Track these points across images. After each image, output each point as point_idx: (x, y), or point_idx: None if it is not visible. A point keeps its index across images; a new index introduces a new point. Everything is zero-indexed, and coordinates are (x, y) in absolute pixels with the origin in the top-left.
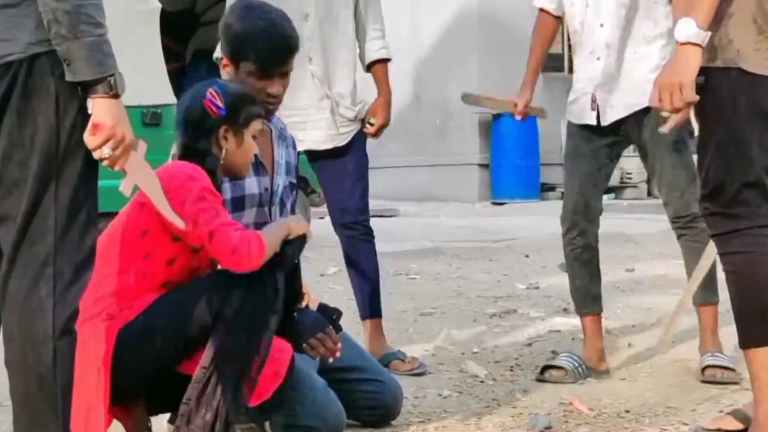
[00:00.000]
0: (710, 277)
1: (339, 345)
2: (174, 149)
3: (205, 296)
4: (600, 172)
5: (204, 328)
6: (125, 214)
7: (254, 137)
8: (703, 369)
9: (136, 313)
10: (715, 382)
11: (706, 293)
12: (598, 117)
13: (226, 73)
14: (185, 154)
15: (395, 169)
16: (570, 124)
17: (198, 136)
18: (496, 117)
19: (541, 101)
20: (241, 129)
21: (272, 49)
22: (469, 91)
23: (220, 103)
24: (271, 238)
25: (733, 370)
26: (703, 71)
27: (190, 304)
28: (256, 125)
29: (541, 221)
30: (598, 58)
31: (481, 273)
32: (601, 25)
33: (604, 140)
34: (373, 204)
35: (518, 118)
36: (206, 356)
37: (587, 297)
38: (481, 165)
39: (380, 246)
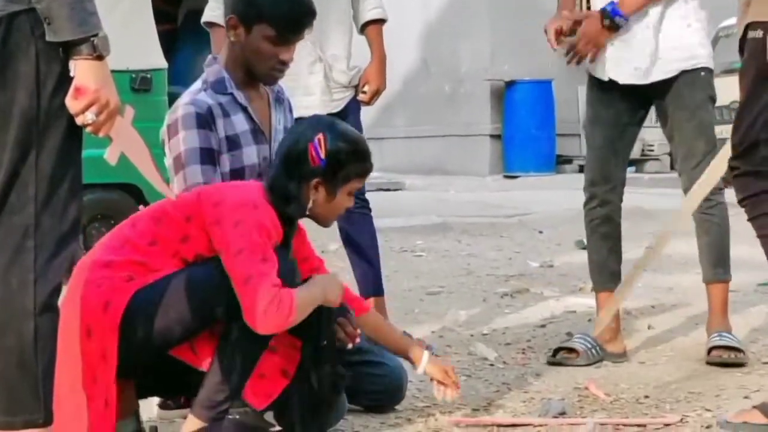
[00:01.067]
0: (722, 253)
1: (359, 330)
2: (169, 118)
3: (225, 282)
4: (621, 138)
5: (213, 314)
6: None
7: (350, 194)
8: (709, 350)
9: (155, 279)
10: (721, 364)
11: (718, 270)
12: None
13: (232, 35)
14: (272, 187)
15: (401, 140)
16: (589, 87)
17: (290, 177)
18: (510, 84)
19: (558, 68)
20: (336, 185)
21: (295, 14)
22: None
23: (322, 154)
24: (304, 303)
25: (741, 351)
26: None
27: (207, 285)
28: (357, 184)
29: (556, 195)
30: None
31: (492, 250)
32: None
33: (623, 103)
34: (378, 177)
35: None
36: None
37: (603, 272)
38: (492, 136)
39: (385, 221)
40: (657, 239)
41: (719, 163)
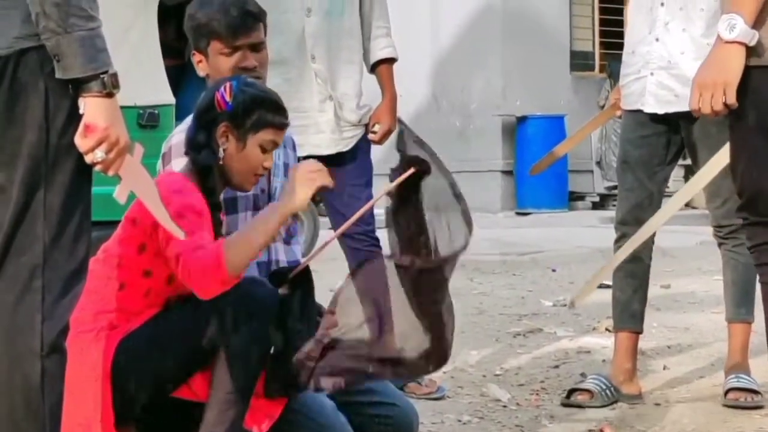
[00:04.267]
0: (747, 293)
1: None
2: (164, 147)
3: (215, 315)
4: (653, 179)
5: (211, 350)
6: (118, 231)
7: (263, 149)
8: (726, 392)
9: (138, 324)
10: (737, 407)
11: (741, 310)
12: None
13: (200, 70)
14: (187, 147)
15: None
16: (623, 125)
17: (200, 128)
18: (521, 119)
19: (571, 103)
20: (245, 133)
21: (229, 18)
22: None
23: (228, 97)
24: (237, 244)
25: (759, 393)
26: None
27: (199, 321)
28: (267, 135)
29: (569, 233)
30: (657, 39)
31: (505, 289)
32: (662, 4)
33: (659, 139)
34: (384, 214)
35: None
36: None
37: (626, 312)
38: (504, 172)
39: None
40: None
41: (719, 159)
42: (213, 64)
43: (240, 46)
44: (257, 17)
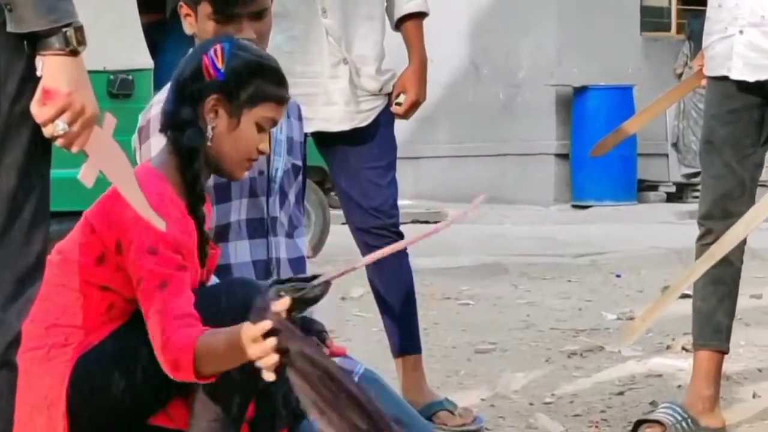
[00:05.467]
0: None
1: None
2: (141, 120)
3: None
4: (743, 162)
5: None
6: (76, 231)
7: (260, 128)
8: None
9: (99, 339)
10: None
11: None
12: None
13: (187, 24)
14: (165, 125)
15: (443, 160)
16: (707, 97)
17: (183, 101)
18: (580, 90)
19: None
20: (240, 107)
21: None
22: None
23: (219, 63)
24: (213, 357)
25: None
26: None
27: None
28: (266, 110)
29: (638, 230)
30: None
31: (557, 298)
32: None
33: (751, 113)
34: (414, 206)
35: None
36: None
37: (708, 325)
38: (558, 155)
39: (423, 260)
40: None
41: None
42: (201, 26)
43: (237, 14)
44: None
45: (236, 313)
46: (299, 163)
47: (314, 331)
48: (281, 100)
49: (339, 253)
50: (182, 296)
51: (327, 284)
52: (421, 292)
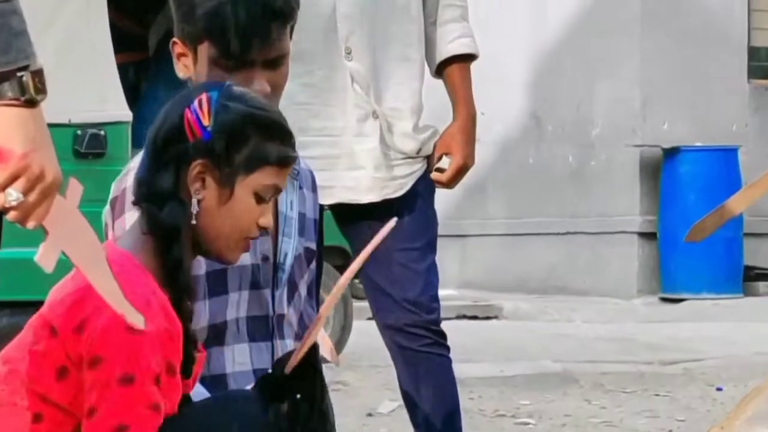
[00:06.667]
0: None
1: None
2: (115, 189)
3: None
4: None
5: None
6: (27, 334)
7: (259, 198)
8: None
9: None
10: None
11: None
12: None
13: (181, 66)
14: (138, 196)
15: (497, 240)
16: None
17: (161, 166)
18: (670, 153)
19: (748, 127)
20: (233, 175)
21: (243, 16)
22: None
23: (205, 120)
24: None
25: None
26: None
27: None
28: (266, 176)
29: (744, 331)
30: None
31: (641, 417)
32: None
33: None
34: (459, 297)
35: None
36: None
37: None
38: (643, 234)
39: (470, 367)
40: None
41: None
42: (200, 71)
43: (250, 61)
44: (287, 16)
45: None
46: (313, 246)
47: None
48: (285, 162)
49: (363, 356)
50: None
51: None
52: (468, 408)
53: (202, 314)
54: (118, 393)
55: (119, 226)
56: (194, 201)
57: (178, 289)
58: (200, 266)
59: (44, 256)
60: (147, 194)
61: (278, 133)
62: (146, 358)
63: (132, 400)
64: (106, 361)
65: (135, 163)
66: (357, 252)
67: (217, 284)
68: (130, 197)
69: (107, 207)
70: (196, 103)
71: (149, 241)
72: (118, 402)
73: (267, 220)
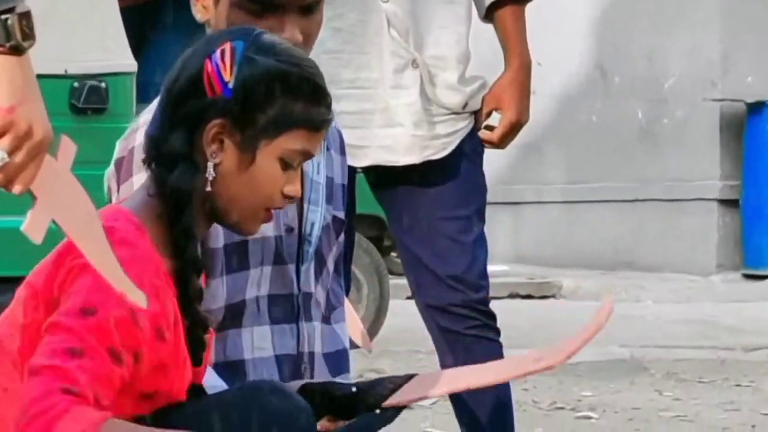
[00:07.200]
0: None
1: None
2: (120, 148)
3: None
4: None
5: None
6: (16, 306)
7: (285, 165)
8: None
9: None
10: None
11: None
12: None
13: (199, 8)
14: (149, 155)
15: (555, 208)
16: None
17: (175, 123)
18: (754, 107)
19: None
20: (255, 138)
21: None
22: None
23: (226, 74)
24: None
25: None
26: None
27: None
28: (296, 141)
29: None
30: None
31: (721, 409)
32: None
33: None
34: (511, 273)
35: None
36: None
37: None
38: (723, 201)
39: (520, 352)
40: None
41: None
42: (221, 15)
43: (280, 5)
44: None
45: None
46: (342, 215)
47: None
48: (318, 125)
49: (401, 341)
50: (97, 383)
51: (397, 411)
52: (521, 400)
53: (219, 292)
54: (78, 321)
55: (126, 191)
56: (210, 165)
57: (186, 262)
58: (218, 238)
59: (32, 226)
60: (157, 153)
61: (311, 92)
62: (115, 298)
63: (92, 332)
64: (72, 295)
65: (145, 118)
66: (392, 221)
67: (236, 259)
68: (139, 157)
69: (111, 168)
70: (218, 53)
71: (156, 206)
72: (75, 329)
73: (294, 189)
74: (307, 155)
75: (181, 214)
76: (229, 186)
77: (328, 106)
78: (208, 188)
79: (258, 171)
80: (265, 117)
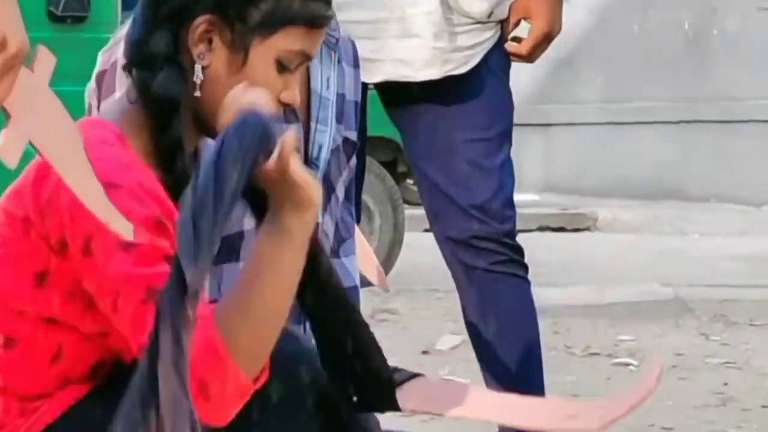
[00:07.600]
0: None
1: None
2: (102, 60)
3: None
4: None
5: None
6: None
7: (283, 67)
8: None
9: (54, 418)
10: None
11: None
12: None
13: None
14: (129, 59)
15: (592, 130)
16: None
17: (157, 22)
18: None
19: None
20: (247, 35)
21: None
22: None
23: None
24: (243, 321)
25: None
26: None
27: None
28: (293, 39)
29: None
30: None
31: None
32: None
33: None
34: (542, 203)
35: None
36: None
37: None
38: None
39: (554, 292)
40: None
41: None
42: None
43: None
44: None
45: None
46: (354, 136)
47: None
48: (318, 22)
49: (417, 278)
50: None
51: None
52: (552, 345)
53: None
54: (126, 261)
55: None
56: (197, 67)
57: (175, 178)
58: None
59: (6, 147)
60: (139, 58)
61: None
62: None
63: (143, 261)
64: (95, 233)
65: (125, 31)
66: (407, 144)
67: (228, 250)
68: (122, 70)
69: (92, 83)
70: None
71: (138, 115)
72: (131, 272)
73: (291, 95)
74: (306, 56)
75: (168, 123)
76: (220, 91)
77: (328, 1)
78: (197, 93)
79: (251, 73)
80: (258, 11)
